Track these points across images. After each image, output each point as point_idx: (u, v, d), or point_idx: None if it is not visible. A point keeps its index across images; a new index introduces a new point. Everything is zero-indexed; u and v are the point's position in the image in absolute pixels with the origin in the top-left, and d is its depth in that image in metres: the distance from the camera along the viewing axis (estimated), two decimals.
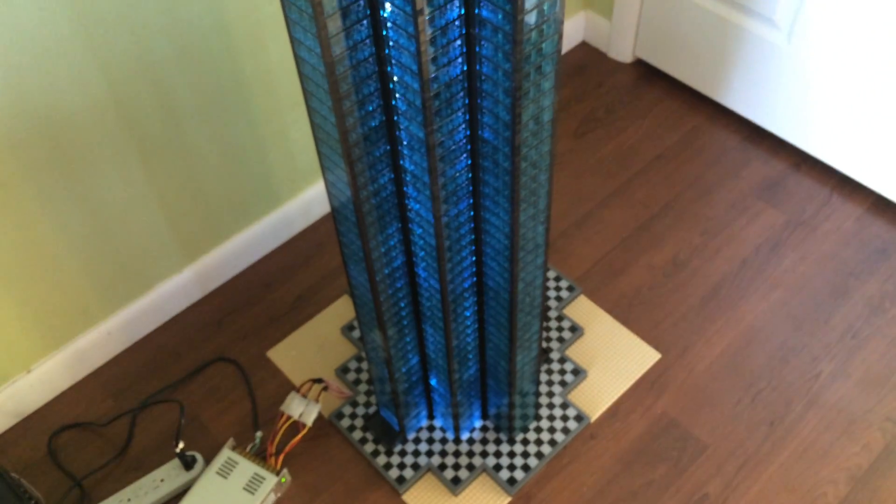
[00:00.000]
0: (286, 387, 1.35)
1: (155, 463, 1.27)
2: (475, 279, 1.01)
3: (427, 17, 0.69)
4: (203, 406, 1.34)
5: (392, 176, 0.88)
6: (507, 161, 0.81)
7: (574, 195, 1.59)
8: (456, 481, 1.22)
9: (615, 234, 1.53)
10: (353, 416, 1.30)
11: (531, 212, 0.88)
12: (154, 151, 1.24)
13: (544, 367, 1.34)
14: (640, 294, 1.44)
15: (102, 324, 1.36)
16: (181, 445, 1.22)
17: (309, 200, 1.53)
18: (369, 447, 1.27)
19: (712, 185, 1.59)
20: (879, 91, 1.41)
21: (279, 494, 1.23)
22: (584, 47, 1.88)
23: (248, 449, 1.25)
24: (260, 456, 1.24)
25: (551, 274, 1.46)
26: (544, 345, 1.36)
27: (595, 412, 1.29)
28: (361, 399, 1.32)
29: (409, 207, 0.91)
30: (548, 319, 1.40)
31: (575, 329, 1.38)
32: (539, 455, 1.25)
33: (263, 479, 1.20)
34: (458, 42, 0.73)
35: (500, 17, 0.70)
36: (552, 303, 1.42)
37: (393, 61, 0.75)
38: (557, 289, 1.44)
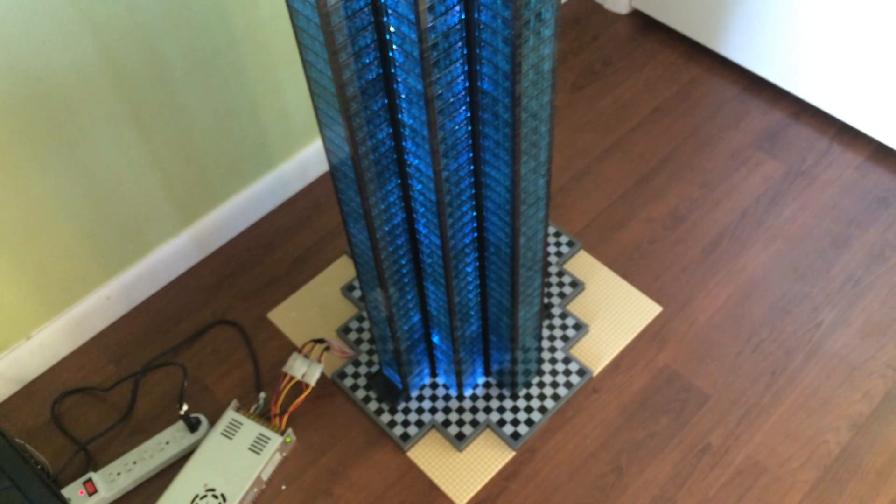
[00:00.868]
0: (288, 348, 1.35)
1: (159, 426, 1.27)
2: (476, 234, 1.00)
3: None
4: (205, 369, 1.34)
5: (391, 130, 0.87)
6: (508, 112, 0.79)
7: (572, 150, 1.58)
8: (460, 437, 1.23)
9: (614, 188, 1.52)
10: (356, 375, 1.30)
11: (532, 164, 0.87)
12: (147, 113, 1.22)
13: (546, 322, 1.34)
14: (641, 248, 1.43)
15: (101, 289, 1.36)
16: (185, 408, 1.22)
17: (305, 161, 1.52)
18: (373, 406, 1.27)
19: (711, 137, 1.58)
20: (879, 38, 1.39)
21: (284, 454, 1.23)
22: None
23: (251, 410, 1.25)
24: (264, 417, 1.24)
25: (551, 230, 1.45)
26: (545, 300, 1.36)
27: (597, 366, 1.30)
28: (364, 358, 1.32)
29: (409, 163, 0.90)
30: (548, 275, 1.39)
31: (576, 284, 1.38)
32: (542, 409, 1.25)
33: (268, 439, 1.20)
34: None
35: None
36: (552, 258, 1.42)
37: (389, 11, 0.73)
38: (557, 244, 1.43)
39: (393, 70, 0.79)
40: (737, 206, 1.47)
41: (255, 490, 1.19)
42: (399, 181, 0.93)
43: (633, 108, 1.64)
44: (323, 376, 1.30)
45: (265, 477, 1.20)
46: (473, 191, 0.93)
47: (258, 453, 1.19)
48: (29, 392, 1.34)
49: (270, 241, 1.49)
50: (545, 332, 1.32)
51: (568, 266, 1.41)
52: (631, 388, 1.28)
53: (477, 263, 1.05)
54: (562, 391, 1.27)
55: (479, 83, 0.80)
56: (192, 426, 1.24)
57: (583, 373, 1.28)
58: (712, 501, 1.17)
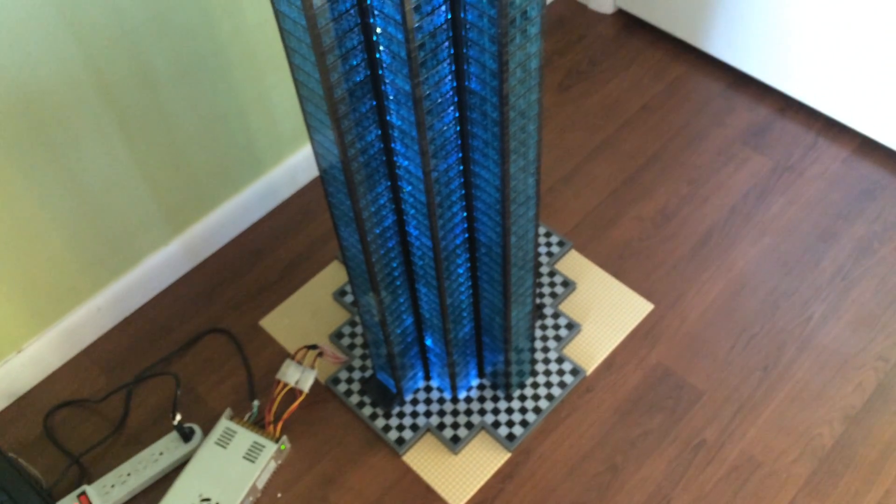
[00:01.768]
0: (281, 355, 1.35)
1: (153, 437, 1.26)
2: (467, 235, 1.00)
3: None
4: (198, 378, 1.33)
5: (379, 132, 0.87)
6: (496, 111, 0.80)
7: (560, 150, 1.58)
8: (455, 440, 1.23)
9: (603, 187, 1.52)
10: (350, 380, 1.30)
11: (521, 163, 0.87)
12: (134, 121, 1.21)
13: (538, 322, 1.34)
14: (631, 246, 1.44)
15: (92, 300, 1.35)
16: (178, 418, 1.21)
17: (294, 167, 1.51)
18: (367, 410, 1.27)
19: (698, 134, 1.59)
20: (862, 32, 1.40)
21: (279, 461, 1.23)
22: (564, 0, 1.86)
23: (245, 418, 1.25)
24: (258, 424, 1.24)
25: (541, 230, 1.45)
26: (537, 301, 1.36)
27: (591, 365, 1.30)
28: (357, 363, 1.32)
29: (398, 164, 0.90)
30: (540, 275, 1.40)
31: (567, 284, 1.38)
32: (537, 410, 1.25)
33: (263, 446, 1.20)
34: None
35: None
36: (543, 258, 1.42)
37: (375, 12, 0.73)
38: (548, 244, 1.43)
39: (381, 71, 0.79)
40: (725, 202, 1.48)
41: (251, 499, 1.18)
42: (389, 183, 0.93)
43: (619, 107, 1.64)
44: (316, 382, 1.29)
45: (260, 485, 1.20)
46: (463, 191, 0.93)
47: (253, 461, 1.19)
48: (20, 406, 1.32)
49: (261, 247, 1.49)
50: (538, 333, 1.32)
51: (559, 266, 1.41)
52: (624, 387, 1.28)
53: (468, 264, 1.05)
54: (556, 391, 1.27)
55: (466, 82, 0.80)
56: (186, 436, 1.24)
57: (576, 372, 1.28)
58: (708, 497, 1.17)
